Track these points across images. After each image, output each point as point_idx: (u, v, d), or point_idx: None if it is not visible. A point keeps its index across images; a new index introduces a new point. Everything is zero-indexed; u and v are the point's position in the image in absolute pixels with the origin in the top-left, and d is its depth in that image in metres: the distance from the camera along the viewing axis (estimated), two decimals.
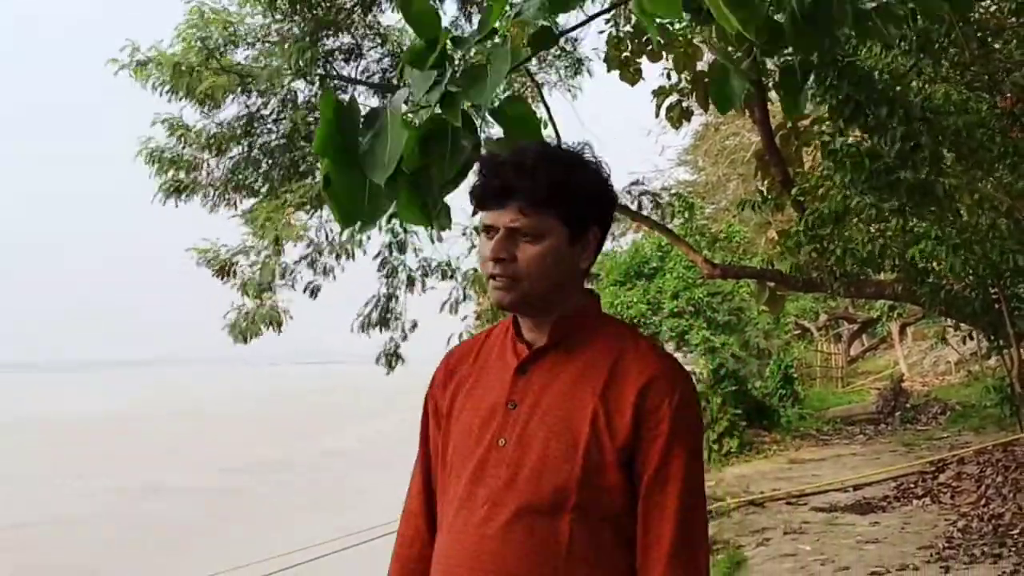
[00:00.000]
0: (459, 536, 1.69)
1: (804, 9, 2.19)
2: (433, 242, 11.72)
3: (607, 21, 7.03)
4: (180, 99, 9.56)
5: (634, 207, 11.79)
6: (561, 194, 1.72)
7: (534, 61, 10.95)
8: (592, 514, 1.65)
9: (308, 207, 10.29)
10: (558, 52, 11.17)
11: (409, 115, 2.12)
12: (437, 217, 2.21)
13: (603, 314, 1.88)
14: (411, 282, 12.17)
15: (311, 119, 9.75)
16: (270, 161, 10.13)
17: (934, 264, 8.22)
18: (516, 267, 1.72)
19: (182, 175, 10.35)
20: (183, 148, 10.28)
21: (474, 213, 1.81)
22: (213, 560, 13.05)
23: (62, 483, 25.61)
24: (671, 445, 1.66)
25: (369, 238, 11.66)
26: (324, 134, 2.02)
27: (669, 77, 7.03)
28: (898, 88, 4.90)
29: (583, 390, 1.70)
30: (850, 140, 6.02)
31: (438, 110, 2.10)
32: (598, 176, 1.80)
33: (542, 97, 10.97)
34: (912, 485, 9.73)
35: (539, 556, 1.64)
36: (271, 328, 11.06)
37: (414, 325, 12.50)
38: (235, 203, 10.63)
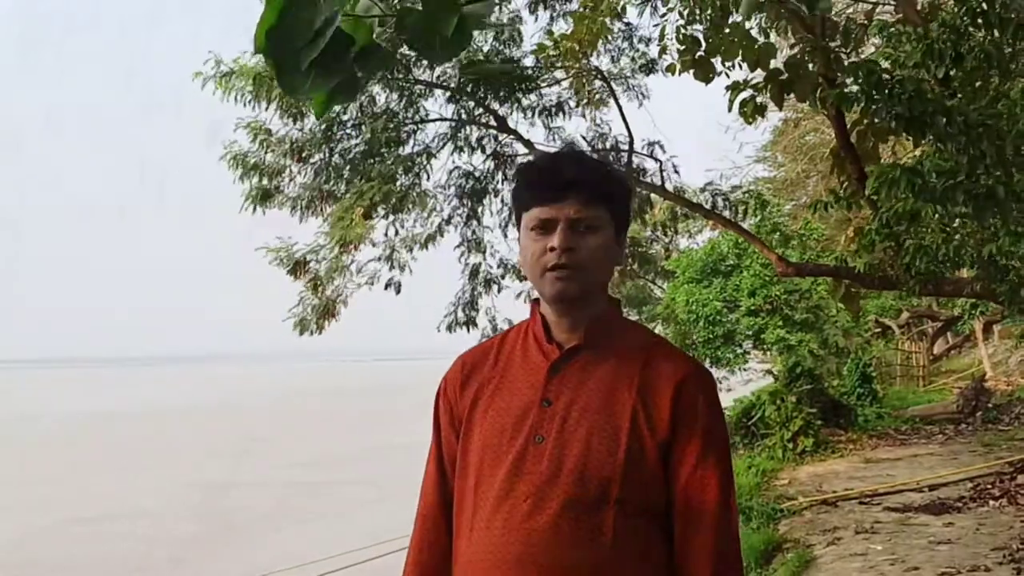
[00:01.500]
0: (502, 532, 1.71)
1: None
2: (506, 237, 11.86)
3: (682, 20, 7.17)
4: (265, 108, 9.86)
5: (708, 205, 11.79)
6: (612, 191, 1.88)
7: (606, 59, 11.07)
8: (633, 507, 1.72)
9: (382, 207, 10.53)
10: (630, 52, 11.18)
11: None
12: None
13: (625, 318, 1.99)
14: (488, 283, 12.35)
15: (391, 126, 9.98)
16: (349, 168, 10.37)
17: (1015, 262, 8.08)
18: (580, 257, 1.80)
19: (265, 181, 10.65)
20: (266, 154, 10.60)
21: (519, 212, 1.89)
22: (290, 553, 13.41)
23: (139, 476, 26.33)
24: (708, 440, 1.76)
25: (443, 235, 11.87)
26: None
27: (742, 68, 7.09)
28: (958, 96, 4.90)
29: (620, 388, 1.78)
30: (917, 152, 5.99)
31: None
32: (626, 183, 1.96)
33: (615, 97, 11.04)
34: (989, 486, 9.58)
35: (587, 548, 1.69)
36: (330, 321, 11.40)
37: (494, 326, 12.56)
38: (322, 211, 10.90)
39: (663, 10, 8.24)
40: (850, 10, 11.50)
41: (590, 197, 1.82)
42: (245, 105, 9.84)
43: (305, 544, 15.26)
